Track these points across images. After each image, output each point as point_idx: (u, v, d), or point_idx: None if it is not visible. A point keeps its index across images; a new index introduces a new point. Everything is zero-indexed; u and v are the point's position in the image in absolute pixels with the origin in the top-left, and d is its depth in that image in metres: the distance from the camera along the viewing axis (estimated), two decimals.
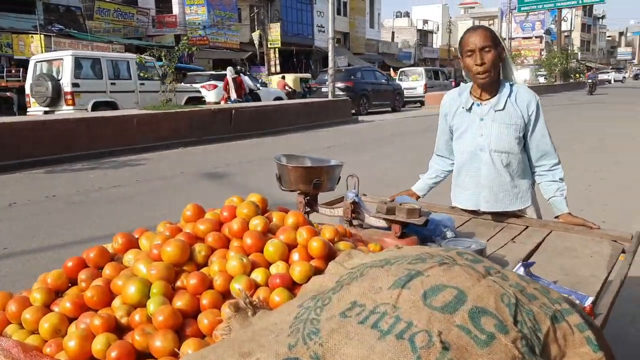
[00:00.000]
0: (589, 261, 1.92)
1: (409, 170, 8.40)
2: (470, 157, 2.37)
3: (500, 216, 2.41)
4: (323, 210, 2.14)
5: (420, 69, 27.83)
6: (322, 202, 2.27)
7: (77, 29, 23.01)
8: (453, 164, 2.55)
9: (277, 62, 30.08)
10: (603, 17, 76.70)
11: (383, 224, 1.97)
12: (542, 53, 56.97)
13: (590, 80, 33.29)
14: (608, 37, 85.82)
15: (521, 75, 37.18)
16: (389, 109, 22.49)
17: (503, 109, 2.27)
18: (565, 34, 53.00)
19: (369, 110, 20.81)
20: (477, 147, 2.33)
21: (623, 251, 2.05)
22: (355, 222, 2.06)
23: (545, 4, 38.59)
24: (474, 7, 77.98)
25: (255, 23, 30.32)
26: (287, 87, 21.52)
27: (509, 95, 2.28)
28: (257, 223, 1.59)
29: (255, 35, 29.09)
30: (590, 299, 1.41)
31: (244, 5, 31.32)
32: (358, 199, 2.08)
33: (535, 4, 39.11)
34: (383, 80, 22.47)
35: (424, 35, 55.71)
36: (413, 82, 25.88)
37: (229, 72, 16.35)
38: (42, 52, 17.79)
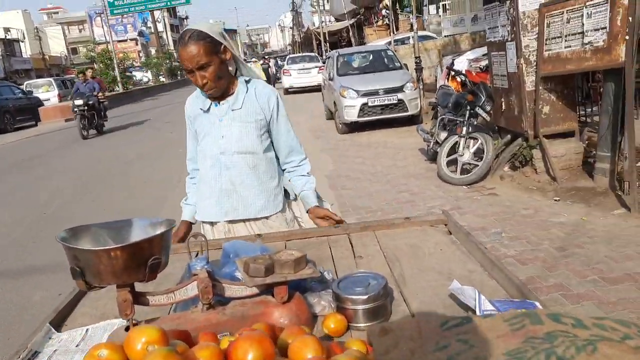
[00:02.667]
0: (448, 257, 1.95)
1: (70, 196, 7.30)
2: (214, 162, 2.20)
3: (255, 223, 2.26)
4: (162, 299, 1.53)
5: (49, 79, 26.97)
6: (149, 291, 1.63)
7: None
8: None
9: None
10: (187, 17, 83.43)
11: (251, 291, 1.54)
12: (141, 55, 58.05)
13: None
14: None
15: None
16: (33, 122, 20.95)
17: (241, 107, 2.16)
18: (160, 35, 55.25)
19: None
20: (219, 151, 2.17)
21: (450, 233, 2.19)
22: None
23: (136, 6, 39.08)
24: (57, 13, 72.93)
25: None
26: None
27: (247, 92, 2.18)
28: None
29: None
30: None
31: None
32: (211, 267, 1.57)
33: (127, 6, 39.19)
34: (21, 95, 21.84)
35: (10, 45, 49.01)
36: (45, 93, 24.72)
37: None
38: None
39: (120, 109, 23.87)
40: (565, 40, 4.79)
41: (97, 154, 11.26)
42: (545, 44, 5.02)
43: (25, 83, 27.10)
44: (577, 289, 3.16)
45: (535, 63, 5.23)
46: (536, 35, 5.17)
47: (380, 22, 23.34)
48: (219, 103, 2.17)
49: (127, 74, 39.76)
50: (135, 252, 1.40)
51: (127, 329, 1.42)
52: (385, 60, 11.43)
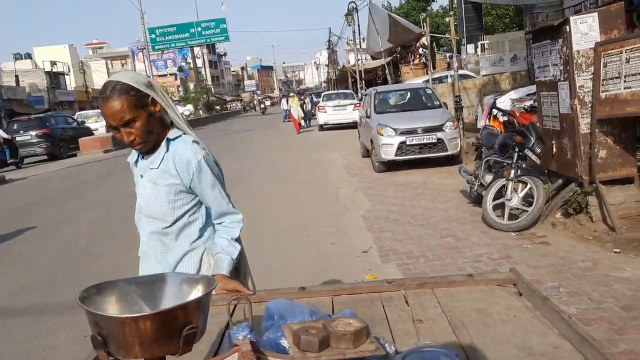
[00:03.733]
0: (524, 326, 1.67)
1: (103, 230, 7.23)
2: (139, 219, 2.10)
3: None
4: None
5: (98, 111, 28.06)
6: None
7: None
8: None
9: None
10: (225, 54, 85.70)
11: None
12: (179, 89, 59.59)
13: (262, 105, 44.41)
14: (233, 71, 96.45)
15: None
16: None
17: (157, 167, 1.98)
18: (199, 70, 56.75)
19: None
20: (139, 208, 2.07)
21: (520, 294, 1.91)
22: None
23: (177, 42, 40.37)
24: (102, 48, 75.96)
25: None
26: None
27: (167, 152, 1.98)
28: None
29: None
30: None
31: None
32: (254, 336, 1.34)
33: (168, 42, 40.54)
34: (75, 124, 24.08)
35: (55, 78, 51.02)
36: (94, 123, 26.77)
37: None
38: None
39: None
40: (625, 81, 4.50)
41: (130, 187, 11.28)
42: (602, 85, 4.74)
43: (77, 114, 29.47)
44: None
45: (590, 104, 4.93)
46: (591, 75, 4.89)
47: (417, 61, 23.33)
48: (144, 157, 2.02)
49: None
50: (168, 321, 1.18)
51: None
52: (424, 98, 11.25)
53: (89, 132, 24.39)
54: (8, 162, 18.05)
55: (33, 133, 20.26)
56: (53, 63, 51.77)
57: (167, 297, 1.37)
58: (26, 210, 9.64)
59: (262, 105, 46.97)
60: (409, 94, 11.73)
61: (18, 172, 17.42)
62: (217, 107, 47.85)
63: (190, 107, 43.72)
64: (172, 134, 1.99)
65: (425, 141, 9.46)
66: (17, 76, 45.61)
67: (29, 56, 57.52)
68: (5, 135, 18.02)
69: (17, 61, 54.03)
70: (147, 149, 1.95)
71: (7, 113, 37.84)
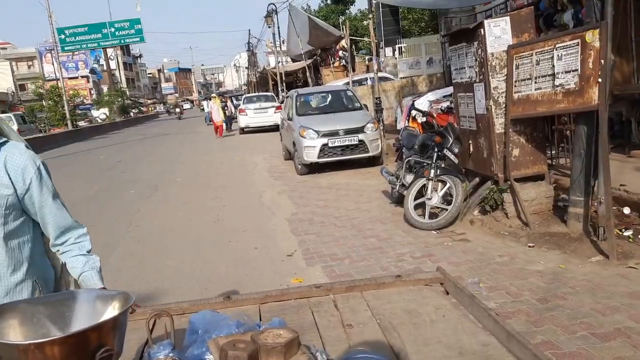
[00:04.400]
0: (454, 325, 1.68)
1: None
2: None
3: None
4: None
5: (9, 115, 28.17)
6: None
7: None
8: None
9: None
10: (140, 55, 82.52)
11: None
12: (92, 92, 56.78)
13: (178, 110, 42.50)
14: (149, 74, 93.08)
15: None
16: None
17: None
18: (113, 72, 54.31)
19: None
20: None
21: (447, 293, 1.93)
22: None
23: (88, 43, 38.46)
24: (6, 48, 70.87)
25: None
26: None
27: None
28: None
29: None
30: None
31: None
32: (177, 355, 1.24)
33: (79, 43, 38.53)
34: None
35: None
36: None
37: None
38: None
39: (69, 147, 22.95)
40: (535, 82, 4.76)
41: None
42: (515, 86, 4.98)
43: (15, 113, 28.58)
44: (568, 347, 2.94)
45: (504, 105, 5.17)
46: (505, 77, 5.13)
47: (337, 63, 23.62)
48: None
49: (82, 111, 38.76)
50: (80, 344, 1.06)
51: None
52: (345, 100, 11.39)
53: None
54: None
55: None
56: None
57: (78, 317, 1.25)
58: None
59: (178, 110, 42.95)
60: (330, 96, 11.83)
61: None
62: (134, 111, 45.91)
63: (104, 110, 41.74)
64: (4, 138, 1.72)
65: (347, 143, 9.57)
66: None
67: None
68: None
69: None
70: None
71: None
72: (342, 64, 23.12)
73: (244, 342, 1.24)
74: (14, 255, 1.73)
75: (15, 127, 25.82)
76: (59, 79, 33.25)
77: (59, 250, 1.85)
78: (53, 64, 43.59)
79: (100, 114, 41.65)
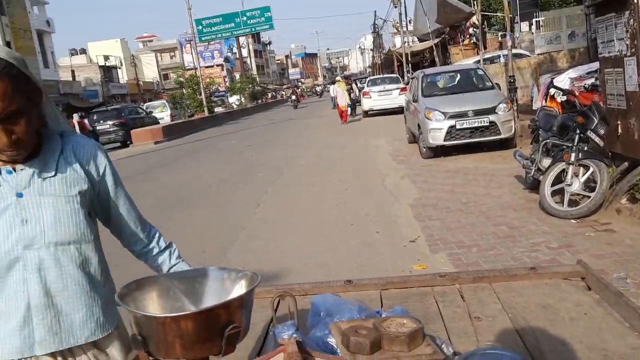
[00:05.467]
0: (598, 325, 1.51)
1: (157, 219, 7.36)
2: (8, 265, 1.35)
3: (84, 355, 1.46)
4: None
5: (163, 101, 31.64)
6: None
7: None
8: None
9: None
10: (270, 42, 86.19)
11: None
12: (226, 80, 60.36)
13: (294, 97, 38.89)
14: (277, 60, 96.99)
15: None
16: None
17: (55, 173, 1.42)
18: (244, 60, 57.27)
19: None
20: (19, 244, 1.35)
21: (589, 288, 1.75)
22: None
23: (223, 32, 40.76)
24: (152, 41, 77.80)
25: None
26: None
27: (62, 151, 1.46)
28: None
29: None
30: None
31: None
32: (300, 335, 1.25)
33: (214, 33, 40.98)
34: (144, 114, 26.61)
35: (108, 72, 52.67)
36: (160, 113, 29.51)
37: (75, 117, 22.17)
38: None
39: (206, 132, 24.68)
40: None
41: (181, 177, 11.50)
42: None
43: (145, 105, 32.39)
44: None
45: None
46: None
47: (466, 41, 22.62)
48: (13, 169, 1.38)
49: (217, 98, 41.52)
50: (211, 320, 1.10)
51: None
52: (475, 79, 10.85)
53: (155, 121, 26.73)
54: None
55: (110, 122, 23.12)
56: (106, 57, 53.43)
57: (209, 294, 1.31)
58: None
59: (294, 97, 39.13)
60: (458, 75, 11.34)
61: None
62: (267, 96, 48.00)
63: (238, 97, 44.19)
64: (59, 128, 1.51)
65: (476, 125, 9.13)
66: (73, 71, 47.34)
67: (83, 51, 59.56)
68: (89, 127, 21.00)
69: (73, 56, 56.14)
70: (21, 158, 1.38)
71: (65, 107, 39.37)
72: (472, 41, 22.09)
73: (366, 329, 1.21)
74: (103, 260, 1.55)
75: (168, 112, 30.12)
76: (197, 68, 35.83)
77: (135, 252, 1.66)
78: (192, 54, 47.06)
79: (235, 100, 44.18)
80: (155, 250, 1.64)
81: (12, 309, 1.36)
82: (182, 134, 23.91)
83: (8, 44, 35.28)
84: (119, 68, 55.42)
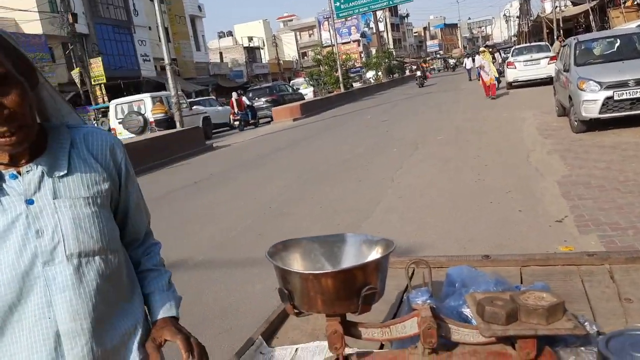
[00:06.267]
0: None
1: (292, 194, 7.76)
2: (27, 288, 1.12)
3: None
4: (376, 334, 1.28)
5: (302, 79, 34.78)
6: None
7: None
8: None
9: (105, 98, 27.44)
10: (407, 15, 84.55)
11: (485, 339, 1.20)
12: (362, 55, 60.51)
13: (419, 73, 35.06)
14: (415, 33, 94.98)
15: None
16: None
17: (68, 171, 1.19)
18: (381, 34, 56.92)
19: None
20: (33, 260, 1.12)
21: None
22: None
23: (360, 7, 40.85)
24: (291, 20, 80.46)
25: (73, 60, 27.35)
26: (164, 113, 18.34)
27: (73, 144, 1.23)
28: None
29: (75, 74, 26.15)
30: None
31: (55, 43, 28.13)
32: (435, 302, 1.29)
33: (352, 8, 41.24)
34: (291, 90, 29.38)
35: (252, 52, 55.77)
36: (304, 89, 32.33)
37: (234, 95, 23.06)
38: None
39: (342, 109, 25.15)
40: None
41: (318, 152, 11.89)
42: None
43: (292, 82, 36.83)
44: None
45: None
46: None
47: (629, 3, 20.14)
48: (18, 172, 1.15)
49: (354, 74, 42.09)
50: (348, 279, 1.18)
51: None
52: (638, 45, 9.68)
53: (300, 97, 29.47)
54: (250, 122, 22.93)
55: (263, 99, 25.79)
56: (250, 39, 56.53)
57: (347, 257, 1.39)
58: (228, 174, 10.81)
59: (419, 73, 34.94)
60: (618, 41, 10.18)
61: (225, 139, 19.58)
62: (401, 70, 47.32)
63: (374, 72, 44.20)
64: (66, 120, 1.29)
65: (638, 95, 8.18)
66: (221, 53, 50.92)
67: (230, 34, 63.53)
68: (248, 102, 23.14)
69: (221, 39, 60.25)
70: (20, 148, 1.11)
71: (214, 87, 42.56)
72: (635, 2, 19.61)
73: (503, 300, 1.20)
74: (132, 270, 1.34)
75: (311, 89, 33.54)
76: (333, 45, 36.41)
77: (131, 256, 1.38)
78: (329, 31, 47.87)
79: (372, 75, 44.32)
80: (149, 265, 1.37)
81: (37, 341, 1.12)
82: (319, 111, 24.63)
83: (166, 30, 38.90)
84: (262, 48, 58.34)
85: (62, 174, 1.18)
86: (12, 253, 1.11)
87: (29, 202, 1.14)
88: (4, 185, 1.13)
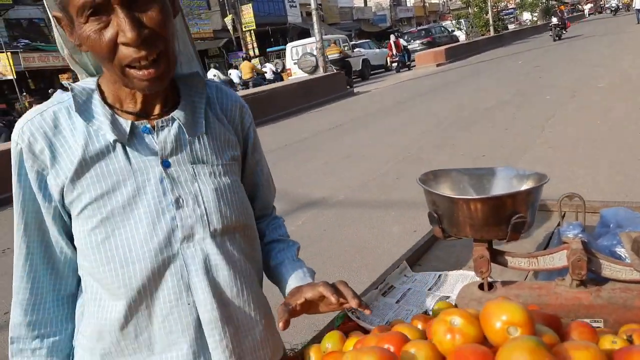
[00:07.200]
0: None
1: (431, 140, 7.66)
2: (160, 268, 0.95)
3: None
4: (523, 263, 1.33)
5: (461, 20, 34.24)
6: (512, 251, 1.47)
7: (44, 41, 21.89)
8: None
9: (255, 45, 28.83)
10: None
11: (638, 276, 1.18)
12: None
13: (555, 20, 25.29)
14: None
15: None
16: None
17: (206, 130, 1.02)
18: None
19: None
20: (170, 235, 0.95)
21: None
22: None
23: None
24: None
25: (226, 7, 28.95)
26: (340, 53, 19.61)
27: (210, 100, 1.07)
28: None
29: (228, 20, 27.74)
30: None
31: None
32: (587, 237, 1.29)
33: None
34: (446, 33, 29.40)
35: None
36: (457, 31, 32.15)
37: (392, 37, 23.31)
38: (11, 72, 17.66)
39: (490, 53, 23.73)
40: None
41: (462, 98, 11.48)
42: None
43: (445, 23, 36.53)
44: None
45: None
46: None
47: None
48: (151, 125, 0.97)
49: (507, 16, 39.28)
50: (497, 206, 1.23)
51: (480, 286, 1.31)
52: None
53: (456, 39, 29.56)
54: (406, 63, 23.27)
55: (418, 42, 26.41)
56: None
57: (496, 190, 1.43)
58: (367, 119, 10.93)
59: (555, 20, 25.10)
60: None
61: (369, 85, 19.69)
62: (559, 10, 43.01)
63: (529, 14, 40.71)
64: (197, 70, 1.09)
65: None
66: None
67: None
68: (405, 43, 23.68)
69: None
70: (161, 87, 0.92)
71: (357, 32, 42.39)
72: None
73: None
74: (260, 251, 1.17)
75: (464, 30, 32.90)
76: None
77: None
78: None
79: (528, 17, 41.13)
80: (275, 235, 1.21)
81: (175, 332, 0.96)
82: (465, 56, 23.48)
83: None
84: None
85: (200, 133, 1.01)
86: (144, 224, 0.93)
87: (166, 163, 0.96)
88: (140, 134, 0.96)
